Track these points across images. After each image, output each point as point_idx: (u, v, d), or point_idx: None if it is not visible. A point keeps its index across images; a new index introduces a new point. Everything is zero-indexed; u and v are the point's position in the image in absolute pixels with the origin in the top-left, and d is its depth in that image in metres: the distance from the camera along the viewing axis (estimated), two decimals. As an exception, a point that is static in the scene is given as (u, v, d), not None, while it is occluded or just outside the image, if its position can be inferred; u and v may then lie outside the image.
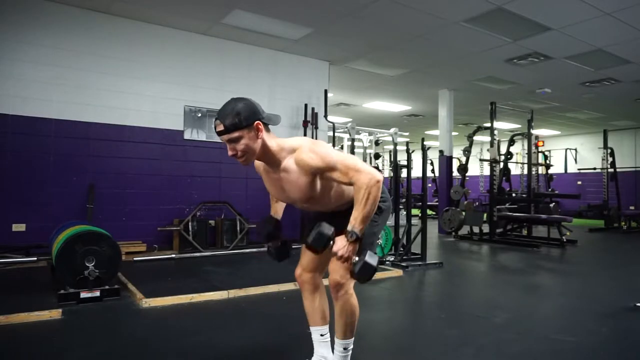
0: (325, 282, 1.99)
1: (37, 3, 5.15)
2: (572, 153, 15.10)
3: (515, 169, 10.89)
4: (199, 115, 6.25)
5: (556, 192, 11.06)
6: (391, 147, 5.76)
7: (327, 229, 1.70)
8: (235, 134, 1.67)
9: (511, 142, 9.29)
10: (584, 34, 5.90)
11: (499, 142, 8.45)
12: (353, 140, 7.58)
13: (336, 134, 7.37)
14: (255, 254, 5.78)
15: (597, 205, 12.04)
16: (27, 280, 4.19)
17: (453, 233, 8.44)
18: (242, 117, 1.66)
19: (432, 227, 8.86)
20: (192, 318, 3.13)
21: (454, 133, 10.09)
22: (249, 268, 4.97)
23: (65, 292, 3.29)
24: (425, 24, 5.75)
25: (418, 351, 2.62)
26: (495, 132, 8.18)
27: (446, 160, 9.22)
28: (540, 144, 10.79)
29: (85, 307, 3.25)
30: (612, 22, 5.45)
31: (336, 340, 2.01)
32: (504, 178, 8.80)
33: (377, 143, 9.13)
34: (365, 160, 8.00)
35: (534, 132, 9.48)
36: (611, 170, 10.88)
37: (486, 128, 8.56)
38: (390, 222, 5.55)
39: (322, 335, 2.11)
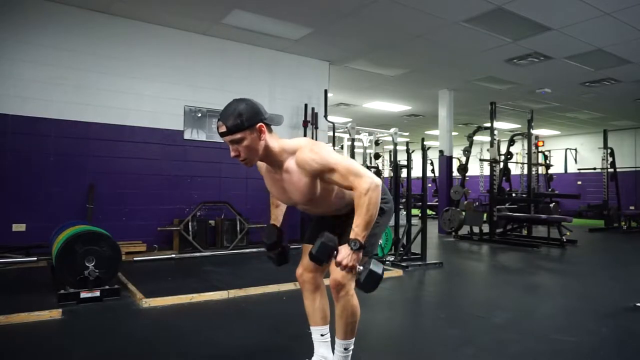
0: (326, 282, 1.99)
1: (37, 3, 5.15)
2: (572, 153, 15.10)
3: (515, 169, 10.89)
4: (199, 115, 6.25)
5: (556, 192, 11.07)
6: (391, 147, 5.76)
7: (330, 239, 1.67)
8: (238, 135, 1.66)
9: (511, 142, 9.29)
10: (584, 34, 5.90)
11: (499, 142, 8.45)
12: (353, 140, 7.57)
13: (336, 134, 7.37)
14: (255, 254, 5.78)
15: (597, 205, 12.04)
16: (27, 280, 4.19)
17: (453, 233, 8.44)
18: (244, 118, 1.65)
19: (432, 227, 8.86)
20: (192, 318, 3.13)
21: (454, 133, 10.09)
22: (249, 268, 4.97)
23: (65, 292, 3.29)
24: (425, 24, 5.75)
25: (418, 351, 2.62)
26: (495, 132, 8.19)
27: (446, 160, 9.22)
28: (540, 144, 10.80)
29: (85, 307, 3.25)
30: (612, 22, 5.45)
31: (337, 340, 2.01)
32: (504, 178, 8.80)
33: (377, 143, 9.14)
34: (365, 160, 8.00)
35: (534, 132, 9.49)
36: (611, 170, 10.88)
37: (486, 128, 8.56)
38: (390, 222, 5.54)
39: (322, 335, 2.11)
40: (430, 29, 5.93)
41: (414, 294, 4.27)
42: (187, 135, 6.16)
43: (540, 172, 10.71)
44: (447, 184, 9.14)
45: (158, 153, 5.94)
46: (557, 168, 13.80)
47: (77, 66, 5.37)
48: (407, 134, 13.53)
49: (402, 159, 6.94)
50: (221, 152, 6.23)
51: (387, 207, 2.03)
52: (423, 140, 6.20)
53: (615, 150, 11.20)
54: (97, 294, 3.36)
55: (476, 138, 9.41)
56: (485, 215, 8.14)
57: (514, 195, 9.79)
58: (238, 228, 6.03)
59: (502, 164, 8.65)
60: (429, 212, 11.21)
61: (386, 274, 4.65)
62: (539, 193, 9.80)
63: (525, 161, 9.39)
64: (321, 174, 1.73)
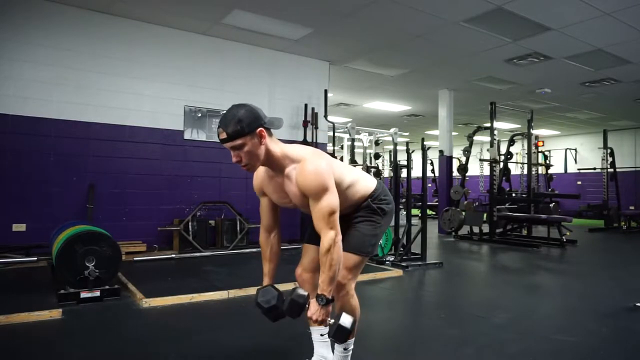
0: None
1: (37, 3, 5.15)
2: (572, 153, 15.10)
3: (515, 169, 10.89)
4: (199, 115, 6.25)
5: (556, 192, 11.06)
6: (391, 147, 5.76)
7: (299, 296, 1.74)
8: (239, 141, 1.66)
9: (511, 142, 9.29)
10: (584, 34, 5.90)
11: (499, 142, 8.45)
12: (353, 140, 7.58)
13: (336, 134, 7.37)
14: (255, 254, 5.78)
15: (597, 205, 12.04)
16: (27, 280, 4.19)
17: (453, 233, 8.44)
18: (244, 124, 1.65)
19: (432, 227, 8.87)
20: (192, 318, 3.13)
21: (454, 133, 10.09)
22: (249, 268, 4.97)
23: (66, 292, 3.30)
24: (425, 24, 5.75)
25: (418, 351, 2.62)
26: (495, 132, 8.19)
27: (446, 160, 9.22)
28: (540, 144, 10.79)
29: (85, 307, 3.25)
30: (612, 22, 5.45)
31: (336, 340, 2.01)
32: (504, 178, 8.80)
33: (377, 143, 9.13)
34: (365, 161, 7.98)
35: (534, 132, 9.49)
36: (611, 170, 10.88)
37: (486, 128, 8.56)
38: (391, 221, 5.55)
39: (322, 335, 2.10)
40: (430, 29, 5.93)
41: (414, 294, 4.27)
42: (187, 135, 6.16)
43: (540, 172, 10.70)
44: (447, 184, 9.14)
45: (158, 153, 5.94)
46: (557, 168, 13.80)
47: (77, 66, 5.37)
48: (407, 134, 13.56)
49: (402, 159, 6.95)
50: (221, 152, 6.22)
51: (389, 208, 2.03)
52: (423, 140, 6.20)
53: (615, 150, 11.20)
54: (97, 294, 3.36)
55: (476, 138, 9.41)
56: (485, 215, 8.14)
57: (514, 195, 9.79)
58: (238, 228, 6.03)
59: (502, 164, 8.65)
60: (429, 212, 11.21)
61: (386, 274, 4.67)
62: (539, 193, 9.79)
63: (525, 161, 9.39)
64: (306, 194, 1.74)
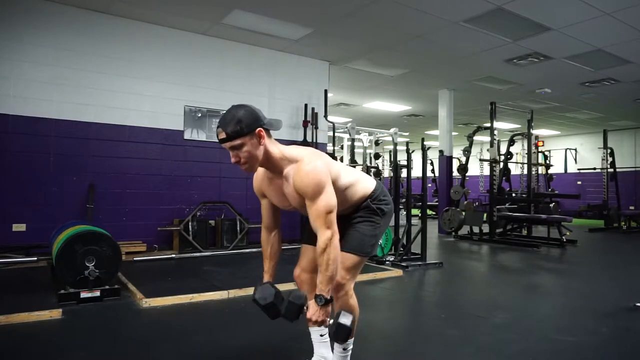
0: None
1: (37, 3, 5.15)
2: (572, 153, 15.10)
3: (515, 169, 10.89)
4: (199, 115, 6.25)
5: (556, 192, 11.07)
6: (391, 147, 5.76)
7: (298, 297, 1.74)
8: (238, 142, 1.67)
9: (511, 142, 9.29)
10: (584, 34, 5.90)
11: (499, 142, 8.45)
12: (353, 140, 7.58)
13: (336, 134, 7.37)
14: (255, 254, 5.78)
15: (597, 205, 12.03)
16: (27, 280, 4.19)
17: (453, 233, 8.44)
18: (243, 124, 1.65)
19: (432, 227, 8.86)
20: (192, 318, 3.13)
21: (454, 133, 10.09)
22: (249, 268, 4.97)
23: (66, 292, 3.30)
24: (425, 24, 5.75)
25: (418, 351, 2.62)
26: (495, 132, 8.18)
27: (446, 160, 9.22)
28: (540, 144, 10.79)
29: (85, 307, 3.25)
30: (612, 22, 5.45)
31: (336, 340, 2.01)
32: (504, 178, 8.80)
33: (377, 143, 9.14)
34: (365, 161, 7.99)
35: (534, 132, 9.49)
36: (611, 170, 10.88)
37: (486, 128, 8.56)
38: (390, 222, 5.54)
39: (321, 335, 2.11)
40: (430, 29, 5.93)
41: (414, 294, 4.27)
42: (187, 135, 6.16)
43: (540, 172, 10.70)
44: (447, 184, 9.14)
45: (158, 153, 5.94)
46: (557, 168, 13.80)
47: (77, 66, 5.37)
48: (407, 134, 13.55)
49: (402, 159, 6.95)
50: (221, 152, 6.22)
51: (388, 209, 2.03)
52: (423, 140, 6.20)
53: (615, 150, 11.20)
54: (97, 294, 3.36)
55: (476, 138, 9.41)
56: (485, 215, 8.14)
57: (514, 195, 9.79)
58: (238, 228, 6.03)
59: (502, 164, 8.65)
60: (429, 212, 11.21)
61: (386, 274, 4.67)
62: (539, 193, 9.80)
63: (525, 161, 9.39)
64: (303, 194, 1.73)
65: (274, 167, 1.78)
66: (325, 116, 7.11)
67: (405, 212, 6.03)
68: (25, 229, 5.04)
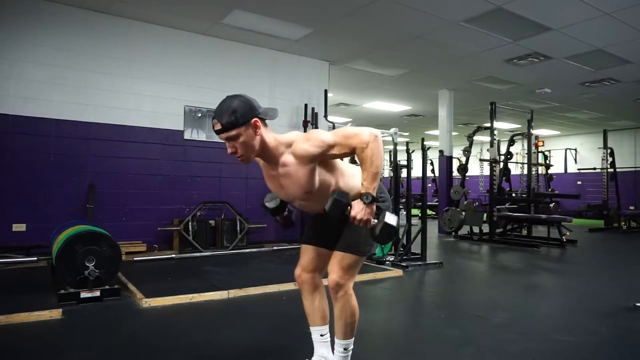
0: (325, 282, 1.99)
1: (37, 3, 5.15)
2: (572, 153, 15.09)
3: (515, 169, 10.89)
4: (199, 115, 6.25)
5: (556, 192, 11.07)
6: (391, 147, 5.77)
7: (342, 196, 1.71)
8: (233, 132, 1.66)
9: (511, 142, 9.29)
10: (584, 34, 5.90)
11: (499, 142, 8.45)
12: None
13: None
14: (255, 254, 5.78)
15: (597, 205, 12.04)
16: (27, 280, 4.19)
17: (453, 233, 8.44)
18: (238, 114, 1.65)
19: (432, 227, 8.86)
20: (192, 318, 3.13)
21: (454, 133, 10.09)
22: (249, 268, 4.97)
23: (66, 292, 3.29)
24: (425, 24, 5.75)
25: (418, 351, 2.62)
26: (495, 132, 8.18)
27: (446, 160, 9.22)
28: (540, 144, 10.78)
29: (85, 307, 3.25)
30: (612, 22, 5.45)
31: (336, 340, 2.01)
32: (504, 178, 8.80)
33: (377, 143, 9.11)
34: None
35: (534, 132, 9.49)
36: (611, 170, 10.88)
37: (486, 128, 8.56)
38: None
39: (322, 335, 2.11)
40: (430, 29, 5.93)
41: (414, 294, 4.27)
42: (187, 135, 6.16)
43: (540, 172, 10.70)
44: (447, 184, 9.14)
45: (158, 153, 5.94)
46: (557, 168, 13.80)
47: (77, 66, 5.37)
48: (407, 134, 13.57)
49: (402, 159, 6.94)
50: (221, 152, 6.22)
51: (385, 207, 2.02)
52: (423, 140, 6.20)
53: (615, 150, 11.21)
54: (97, 294, 3.36)
55: (476, 138, 9.40)
56: (485, 215, 8.14)
57: (514, 195, 9.79)
58: (238, 228, 6.03)
59: (502, 164, 8.65)
60: (429, 212, 11.20)
61: (386, 274, 4.67)
62: (539, 193, 9.80)
63: (525, 161, 9.39)
64: (323, 156, 1.74)
65: (270, 157, 1.77)
66: (325, 116, 7.11)
67: (405, 212, 6.03)
68: (25, 229, 5.04)
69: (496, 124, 8.28)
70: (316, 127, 6.94)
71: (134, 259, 5.13)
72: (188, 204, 6.06)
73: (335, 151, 1.74)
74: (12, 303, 3.19)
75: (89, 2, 5.29)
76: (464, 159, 9.28)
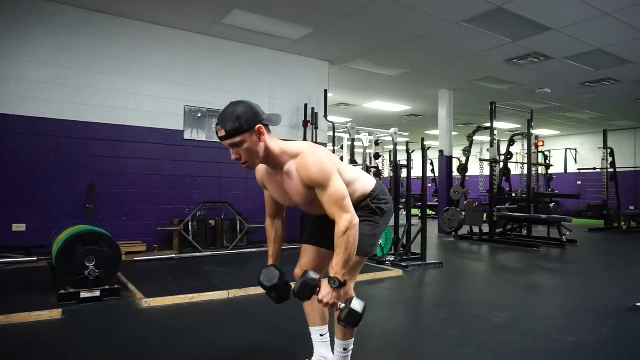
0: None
1: (37, 3, 5.15)
2: (572, 153, 15.10)
3: (515, 169, 10.89)
4: (199, 115, 6.25)
5: (556, 192, 11.06)
6: (391, 147, 5.77)
7: (312, 279, 1.71)
8: (237, 139, 1.66)
9: (511, 142, 9.28)
10: (584, 34, 5.90)
11: (499, 142, 8.45)
12: (353, 140, 7.57)
13: (336, 134, 7.37)
14: (255, 254, 5.78)
15: (597, 205, 12.04)
16: (27, 280, 4.19)
17: (453, 233, 8.44)
18: (243, 121, 1.64)
19: (432, 227, 8.86)
20: (192, 318, 3.13)
21: (454, 133, 10.09)
22: (249, 268, 4.97)
23: (66, 292, 3.29)
24: (425, 24, 5.75)
25: (418, 351, 2.62)
26: (495, 132, 8.18)
27: (446, 160, 9.22)
28: (540, 144, 10.79)
29: (85, 307, 3.25)
30: (612, 22, 5.45)
31: (336, 340, 2.01)
32: (504, 178, 8.79)
33: (377, 143, 9.12)
34: (365, 161, 7.99)
35: (534, 132, 9.48)
36: (611, 170, 10.88)
37: (486, 128, 8.56)
38: (390, 222, 5.54)
39: (321, 335, 2.11)
40: (430, 29, 5.93)
41: (414, 294, 4.27)
42: (187, 135, 6.16)
43: (540, 172, 10.70)
44: (447, 184, 9.14)
45: (158, 153, 5.94)
46: (557, 168, 13.79)
47: (77, 66, 5.37)
48: (407, 134, 13.53)
49: (402, 159, 6.94)
50: (221, 152, 6.23)
51: (387, 208, 2.03)
52: (423, 140, 6.20)
53: (615, 150, 11.20)
54: (97, 294, 3.36)
55: (476, 138, 9.41)
56: (485, 215, 8.14)
57: (514, 195, 9.78)
58: (238, 228, 6.03)
59: (502, 164, 8.65)
60: (429, 212, 11.21)
61: (386, 274, 4.67)
62: (539, 193, 9.79)
63: (525, 161, 9.39)
64: (312, 187, 1.73)
65: (275, 163, 1.77)
66: (325, 116, 7.11)
67: (405, 212, 6.03)
68: (25, 229, 5.04)
69: (496, 124, 8.28)
70: (316, 127, 6.95)
71: (134, 259, 5.13)
72: (188, 204, 6.06)
73: (320, 196, 1.71)
74: (12, 303, 3.20)
75: (89, 2, 5.28)
76: (464, 159, 9.28)
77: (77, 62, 5.38)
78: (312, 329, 2.12)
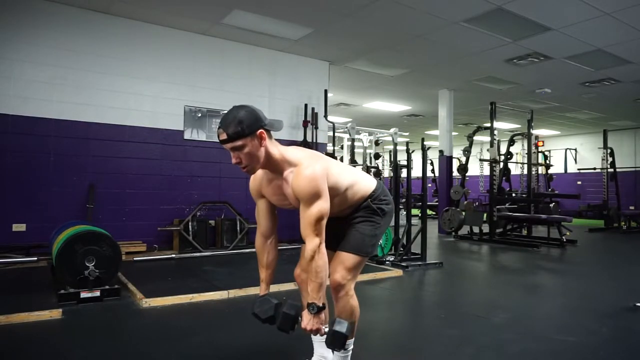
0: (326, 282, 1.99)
1: (37, 3, 5.15)
2: (572, 153, 15.10)
3: (515, 169, 10.90)
4: (199, 115, 6.25)
5: (556, 192, 11.07)
6: (391, 147, 5.77)
7: (291, 307, 1.74)
8: (239, 143, 1.66)
9: (511, 142, 9.29)
10: (584, 34, 5.90)
11: (499, 142, 8.45)
12: (353, 140, 7.58)
13: (336, 134, 7.37)
14: (255, 254, 5.77)
15: (597, 205, 12.04)
16: (27, 280, 4.19)
17: (453, 233, 8.44)
18: (244, 125, 1.65)
19: (432, 227, 8.87)
20: (192, 318, 3.13)
21: (454, 133, 10.09)
22: (249, 268, 4.97)
23: (66, 292, 3.30)
24: (425, 24, 5.75)
25: (418, 351, 2.62)
26: (495, 132, 8.18)
27: (446, 160, 9.22)
28: (540, 144, 10.79)
29: (85, 307, 3.25)
30: (612, 22, 5.45)
31: (336, 340, 2.01)
32: (504, 178, 8.80)
33: (377, 143, 9.13)
34: (365, 161, 7.99)
35: (534, 132, 9.49)
36: (611, 170, 10.88)
37: (486, 128, 8.56)
38: (391, 222, 5.54)
39: (321, 335, 2.11)
40: (430, 29, 5.93)
41: (414, 294, 4.27)
42: (187, 135, 6.16)
43: (540, 172, 10.70)
44: (447, 184, 9.14)
45: (158, 153, 5.94)
46: (557, 168, 13.80)
47: (77, 66, 5.37)
48: (407, 134, 13.54)
49: (402, 159, 6.95)
50: (221, 152, 6.22)
51: (388, 209, 2.03)
52: (423, 140, 6.20)
53: (615, 150, 11.20)
54: (97, 294, 3.36)
55: (476, 138, 9.41)
56: (485, 215, 8.14)
57: (514, 195, 9.79)
58: (238, 228, 6.03)
59: (502, 164, 8.65)
60: (429, 212, 11.21)
61: (386, 274, 4.67)
62: (539, 193, 9.80)
63: (525, 161, 9.39)
64: (299, 199, 1.74)
65: (275, 168, 1.78)
66: (325, 116, 7.11)
67: (405, 212, 6.03)
68: (25, 229, 5.04)
69: (496, 124, 8.28)
70: (316, 127, 6.94)
71: (134, 259, 5.13)
72: (188, 204, 6.06)
73: (301, 210, 1.73)
74: (12, 303, 3.19)
75: (89, 2, 5.28)
76: (464, 159, 9.28)
77: (77, 62, 5.38)
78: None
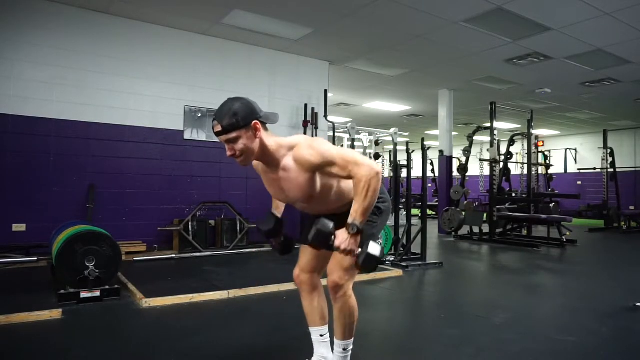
0: (324, 282, 1.99)
1: (37, 3, 5.15)
2: (572, 153, 15.10)
3: (515, 169, 10.90)
4: (199, 115, 6.25)
5: (556, 192, 11.07)
6: (391, 147, 5.77)
7: (326, 225, 1.67)
8: (233, 134, 1.66)
9: (511, 142, 9.29)
10: (584, 34, 5.90)
11: (499, 142, 8.45)
12: (353, 140, 7.57)
13: (336, 134, 7.37)
14: (255, 254, 5.78)
15: (597, 205, 12.04)
16: (27, 280, 4.19)
17: (453, 233, 8.43)
18: (239, 117, 1.65)
19: (432, 227, 8.86)
20: (192, 318, 3.13)
21: (454, 133, 10.09)
22: (249, 268, 4.97)
23: (66, 292, 3.30)
24: (425, 24, 5.75)
25: (418, 351, 2.62)
26: (495, 132, 8.18)
27: (446, 160, 9.22)
28: (540, 144, 10.80)
29: (85, 307, 3.25)
30: (612, 22, 5.45)
31: (335, 340, 2.01)
32: (504, 178, 8.80)
33: (377, 143, 9.12)
34: (365, 160, 8.00)
35: (534, 132, 9.49)
36: (611, 170, 10.88)
37: (486, 128, 8.56)
38: (390, 222, 5.55)
39: (321, 335, 2.11)
40: (430, 29, 5.93)
41: (414, 294, 4.27)
42: (187, 135, 6.16)
43: (540, 172, 10.70)
44: (447, 184, 9.14)
45: (158, 153, 5.94)
46: (557, 168, 13.80)
47: (77, 66, 5.37)
48: (407, 134, 13.52)
49: (402, 159, 6.95)
50: (221, 152, 6.22)
51: (385, 207, 2.02)
52: (423, 140, 6.20)
53: (615, 150, 11.20)
54: (97, 294, 3.36)
55: (476, 138, 9.41)
56: (485, 215, 8.14)
57: (514, 195, 9.79)
58: (238, 228, 6.03)
59: (502, 164, 8.65)
60: (429, 212, 11.21)
61: (386, 274, 4.67)
62: (539, 193, 9.80)
63: (525, 161, 9.39)
64: (321, 169, 1.72)
65: (270, 160, 1.77)
66: (325, 116, 7.11)
67: (405, 212, 6.03)
68: (25, 229, 5.04)
69: (496, 124, 8.28)
70: (316, 127, 6.95)
71: (134, 259, 5.13)
72: (188, 204, 6.06)
73: (332, 170, 1.72)
74: (12, 303, 3.20)
75: (89, 2, 5.28)
76: (464, 159, 9.28)
77: (77, 62, 5.38)
78: (312, 329, 2.12)
